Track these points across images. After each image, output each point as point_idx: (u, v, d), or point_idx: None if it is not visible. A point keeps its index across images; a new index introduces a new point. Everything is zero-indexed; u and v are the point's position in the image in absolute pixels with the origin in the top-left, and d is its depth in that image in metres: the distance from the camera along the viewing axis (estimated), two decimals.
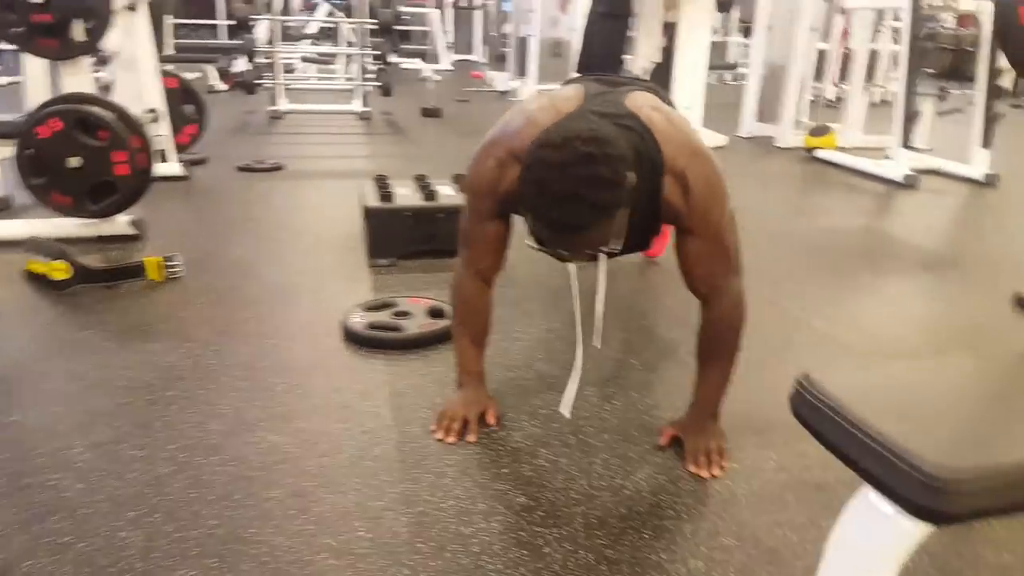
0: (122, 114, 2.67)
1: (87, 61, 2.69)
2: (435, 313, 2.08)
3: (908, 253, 3.11)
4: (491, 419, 1.61)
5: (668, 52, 4.80)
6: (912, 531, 0.90)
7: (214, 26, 12.67)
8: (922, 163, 4.62)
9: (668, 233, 2.69)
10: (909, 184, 4.25)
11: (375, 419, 1.63)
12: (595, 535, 1.28)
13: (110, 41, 3.34)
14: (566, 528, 1.30)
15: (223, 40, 11.61)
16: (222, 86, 7.79)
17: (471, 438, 1.55)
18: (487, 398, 1.66)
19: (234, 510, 1.31)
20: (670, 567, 1.21)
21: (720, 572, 1.20)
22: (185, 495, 1.35)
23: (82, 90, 2.65)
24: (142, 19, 3.45)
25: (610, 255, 1.47)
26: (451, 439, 1.54)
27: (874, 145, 5.30)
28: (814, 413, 0.97)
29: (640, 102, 1.47)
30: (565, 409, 1.61)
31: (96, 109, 2.56)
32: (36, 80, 3.34)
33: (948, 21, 11.35)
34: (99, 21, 2.64)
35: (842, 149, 5.05)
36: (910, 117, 4.28)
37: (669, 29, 4.78)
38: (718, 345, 1.54)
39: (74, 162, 2.51)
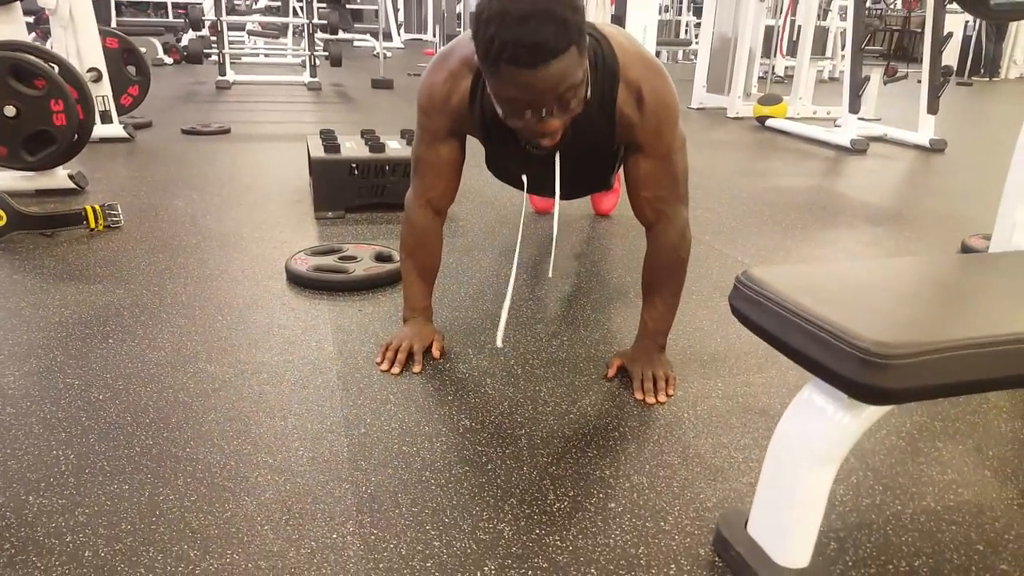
0: (60, 63, 2.57)
1: (19, 7, 2.57)
2: (382, 258, 2.06)
3: (856, 209, 3.17)
4: (436, 352, 1.60)
5: (618, 19, 4.82)
6: (855, 416, 0.92)
7: (163, 5, 12.30)
8: (871, 131, 4.74)
9: (619, 190, 2.74)
10: (858, 149, 4.35)
11: (318, 352, 1.61)
12: (539, 453, 1.29)
13: None
14: (510, 447, 1.30)
15: (170, 19, 11.28)
16: (168, 59, 7.60)
17: (416, 368, 1.55)
18: (434, 331, 1.65)
19: (170, 432, 1.28)
20: (613, 482, 1.22)
21: (663, 487, 1.21)
22: (120, 419, 1.32)
23: (15, 38, 2.54)
24: None
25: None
26: (395, 370, 1.53)
27: (823, 116, 5.42)
28: (753, 306, 0.98)
29: (612, 26, 1.48)
30: (498, 339, 1.59)
31: (31, 57, 2.45)
32: None
33: (896, 4, 11.62)
34: None
35: (792, 119, 5.15)
36: (858, 84, 4.37)
37: None
38: (664, 274, 1.55)
39: (9, 111, 2.41)
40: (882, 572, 1.05)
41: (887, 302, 0.94)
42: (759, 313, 0.96)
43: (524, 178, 1.59)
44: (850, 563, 1.06)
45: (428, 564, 1.01)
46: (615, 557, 1.05)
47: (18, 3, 2.56)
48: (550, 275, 1.79)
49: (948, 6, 4.69)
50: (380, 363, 1.56)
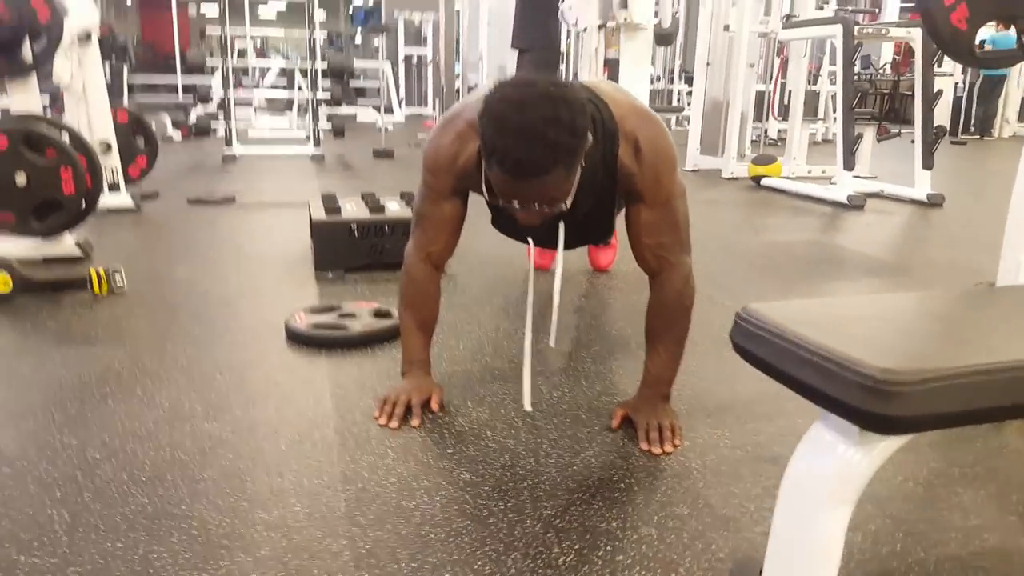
0: (70, 133, 2.64)
1: (34, 80, 2.66)
2: (380, 314, 2.06)
3: (856, 261, 3.19)
4: (435, 405, 1.58)
5: None
6: (866, 451, 0.90)
7: (173, 86, 12.72)
8: (866, 187, 4.80)
9: (616, 246, 2.76)
10: (855, 204, 4.39)
11: (316, 408, 1.59)
12: (542, 506, 1.25)
13: (62, 72, 3.33)
14: (512, 500, 1.26)
15: (179, 99, 11.65)
16: (177, 135, 7.80)
17: (414, 422, 1.52)
18: (432, 385, 1.62)
19: (165, 490, 1.26)
20: (621, 534, 1.18)
21: (673, 538, 1.17)
22: (116, 476, 1.29)
23: (30, 109, 2.62)
24: (94, 51, 3.44)
25: (572, 222, 1.46)
26: (394, 424, 1.50)
27: (818, 175, 5.50)
28: (755, 341, 0.97)
29: (601, 82, 1.53)
30: (527, 403, 1.58)
31: (43, 127, 2.52)
32: None
33: (885, 70, 11.96)
34: (48, 42, 2.63)
35: (787, 179, 5.22)
36: (851, 141, 4.45)
37: (611, 65, 4.94)
38: (668, 321, 1.54)
39: (20, 179, 2.46)
40: None
41: (891, 333, 0.93)
42: (760, 347, 0.95)
43: (530, 240, 1.63)
44: None
45: None
46: None
47: (33, 76, 2.64)
48: (552, 344, 1.78)
49: (937, 69, 4.85)
50: (378, 417, 1.53)
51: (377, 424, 1.51)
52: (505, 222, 1.65)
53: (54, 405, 1.57)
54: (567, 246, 1.59)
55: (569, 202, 1.33)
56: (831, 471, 0.94)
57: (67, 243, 2.69)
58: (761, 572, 1.02)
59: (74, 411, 1.54)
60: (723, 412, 1.63)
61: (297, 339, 1.95)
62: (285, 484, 1.29)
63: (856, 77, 6.80)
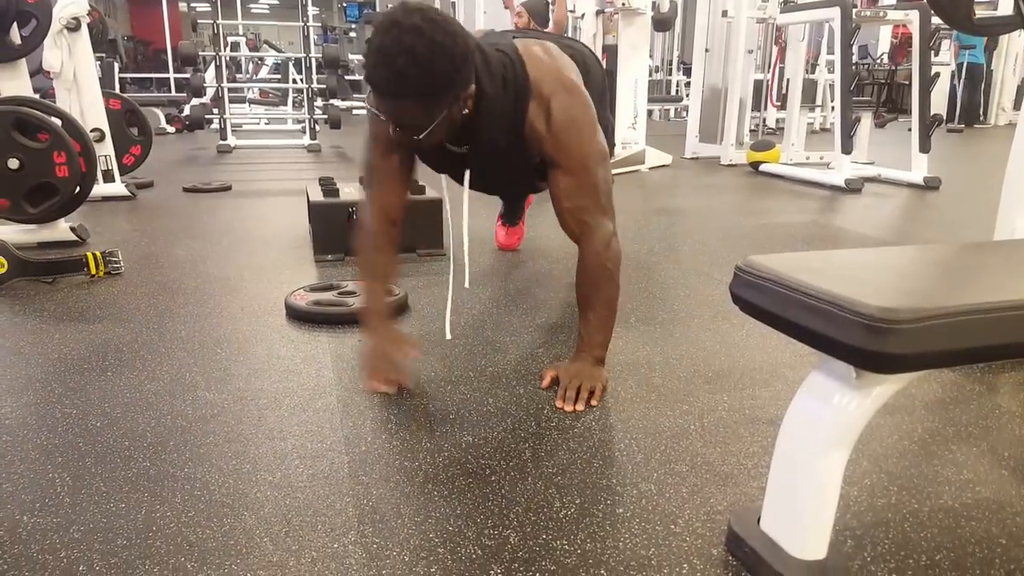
0: (63, 117, 2.63)
1: (24, 64, 2.66)
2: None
3: (855, 241, 3.19)
4: (416, 353, 1.60)
5: (611, 73, 4.96)
6: (864, 395, 0.90)
7: (165, 80, 12.70)
8: (864, 172, 4.80)
9: (523, 229, 2.78)
10: (853, 188, 4.40)
11: (317, 379, 1.59)
12: (543, 465, 1.26)
13: (53, 61, 3.32)
14: (514, 460, 1.27)
15: (173, 94, 11.63)
16: (170, 129, 7.79)
17: (405, 382, 1.52)
18: (399, 334, 1.63)
19: (168, 454, 1.26)
20: (620, 489, 1.19)
21: (672, 492, 1.18)
22: (117, 443, 1.30)
23: (21, 93, 2.61)
24: (84, 39, 3.43)
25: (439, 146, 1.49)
26: (391, 389, 1.50)
27: (816, 161, 5.50)
28: (755, 290, 0.97)
29: (531, 42, 1.56)
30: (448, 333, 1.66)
31: (35, 111, 2.52)
32: None
33: (882, 59, 11.97)
34: (37, 25, 2.62)
35: (785, 164, 5.23)
36: (849, 125, 4.45)
37: (609, 51, 4.95)
38: (593, 286, 1.56)
39: (12, 163, 2.46)
40: (902, 566, 1.01)
41: (891, 276, 0.94)
42: (760, 296, 0.96)
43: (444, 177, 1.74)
44: (868, 558, 1.03)
45: (433, 570, 0.98)
46: (625, 559, 1.02)
47: (23, 60, 2.64)
48: (466, 285, 1.83)
49: (934, 57, 4.84)
50: (369, 384, 1.51)
51: (369, 392, 1.52)
52: (426, 159, 1.69)
53: (54, 379, 1.57)
54: (483, 190, 1.74)
55: (422, 137, 1.36)
56: (829, 415, 0.94)
57: (62, 228, 2.69)
58: (760, 519, 1.03)
59: (74, 384, 1.54)
60: (721, 378, 1.64)
61: (297, 316, 1.96)
62: (288, 448, 1.29)
63: (854, 66, 6.80)
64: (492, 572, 0.98)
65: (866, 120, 5.37)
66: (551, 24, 4.19)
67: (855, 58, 9.08)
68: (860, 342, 0.82)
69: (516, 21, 4.50)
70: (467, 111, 1.40)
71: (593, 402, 1.49)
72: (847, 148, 4.50)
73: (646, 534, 1.07)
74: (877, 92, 12.02)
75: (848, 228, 3.47)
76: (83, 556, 0.99)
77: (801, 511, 0.97)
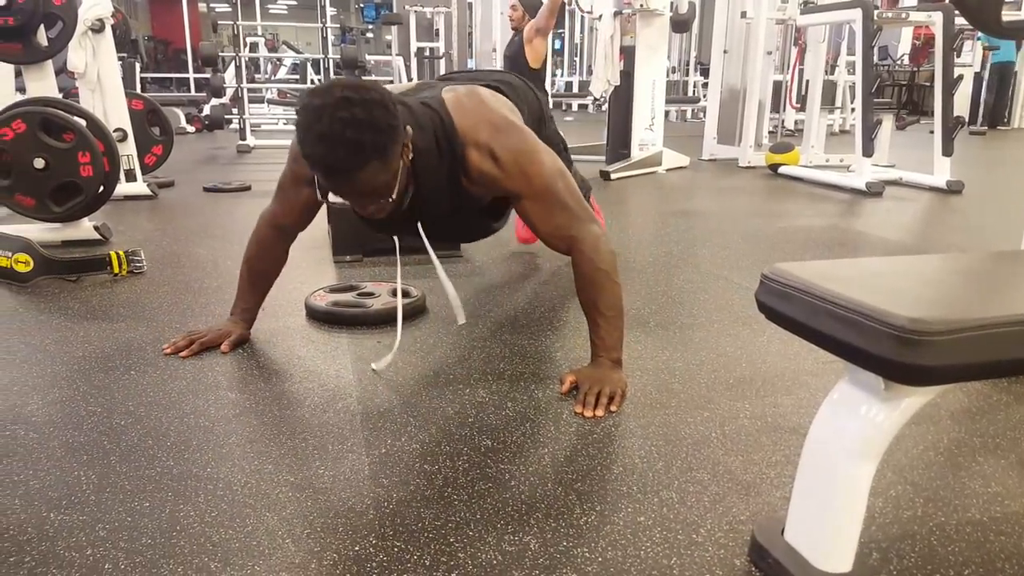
0: (87, 117, 2.66)
1: (50, 66, 2.69)
2: (400, 293, 2.06)
3: (876, 245, 3.16)
4: (224, 347, 1.72)
5: (627, 75, 4.94)
6: (892, 406, 0.89)
7: (185, 80, 12.81)
8: (885, 175, 4.75)
9: (601, 217, 2.76)
10: (873, 191, 4.35)
11: (337, 380, 1.60)
12: (563, 471, 1.26)
13: (77, 62, 3.36)
14: (533, 465, 1.27)
15: (192, 94, 11.73)
16: (190, 128, 7.85)
17: (184, 353, 1.69)
18: (237, 329, 1.77)
19: (191, 453, 1.27)
20: (641, 497, 1.19)
21: (694, 501, 1.18)
22: (141, 442, 1.31)
23: (46, 94, 2.64)
24: (108, 40, 3.47)
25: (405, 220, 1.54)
26: (168, 350, 1.70)
27: (836, 164, 5.45)
28: (781, 298, 0.96)
29: (458, 90, 1.58)
30: (377, 365, 1.66)
31: (60, 111, 2.55)
32: (2, 89, 3.35)
33: (903, 61, 11.85)
34: (63, 27, 2.65)
35: (804, 167, 5.18)
36: (870, 128, 4.41)
37: (626, 53, 4.93)
38: (595, 291, 1.56)
39: (38, 163, 2.49)
40: None
41: (921, 286, 0.93)
42: (787, 304, 0.95)
43: (395, 239, 1.74)
44: (895, 572, 1.02)
45: (453, 574, 0.98)
46: (647, 568, 1.01)
47: (49, 61, 2.67)
48: (462, 321, 1.75)
49: (956, 59, 4.78)
50: (167, 349, 1.71)
51: (164, 352, 1.70)
52: (366, 221, 1.66)
53: (79, 376, 1.59)
54: (445, 241, 1.82)
55: (395, 196, 1.38)
56: (857, 427, 0.93)
57: (85, 227, 2.72)
58: (784, 530, 1.02)
59: (99, 382, 1.56)
60: (743, 386, 1.63)
61: (317, 316, 1.97)
62: (309, 449, 1.30)
63: (874, 68, 6.73)
64: None
65: (887, 122, 5.31)
66: (543, 15, 4.20)
67: (875, 59, 8.99)
68: (890, 353, 0.81)
69: (511, 14, 4.50)
70: (411, 157, 1.41)
71: (613, 407, 1.48)
72: (868, 151, 4.45)
73: (668, 543, 1.07)
74: (898, 94, 11.90)
75: (869, 232, 3.44)
76: (108, 554, 1.00)
77: (827, 523, 0.96)
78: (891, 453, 1.34)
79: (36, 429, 1.35)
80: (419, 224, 1.56)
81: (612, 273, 1.56)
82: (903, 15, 4.53)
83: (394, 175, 1.35)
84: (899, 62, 11.97)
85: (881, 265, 1.04)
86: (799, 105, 6.84)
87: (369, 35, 14.19)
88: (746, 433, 1.41)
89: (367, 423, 1.40)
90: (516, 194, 1.55)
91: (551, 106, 4.81)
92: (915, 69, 11.70)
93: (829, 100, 6.53)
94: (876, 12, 4.23)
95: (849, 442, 0.94)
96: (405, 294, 2.07)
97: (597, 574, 0.99)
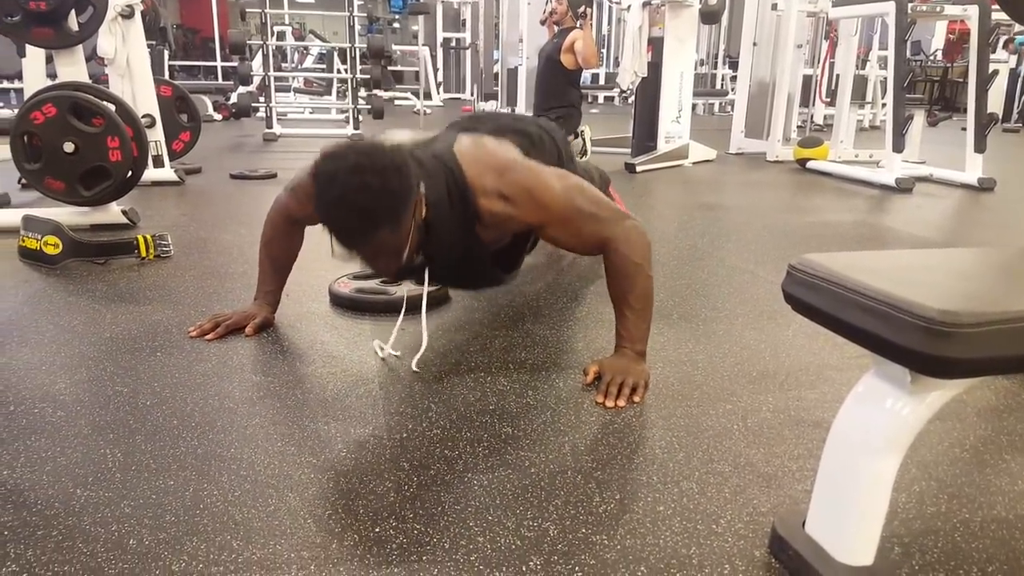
0: (116, 102, 2.69)
1: (80, 51, 2.73)
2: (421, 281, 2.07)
3: (904, 241, 3.11)
4: (249, 329, 1.75)
5: (655, 66, 4.90)
6: (919, 399, 0.88)
7: (213, 68, 12.93)
8: (916, 171, 4.66)
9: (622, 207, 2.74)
10: (903, 187, 4.28)
11: (360, 365, 1.61)
12: (583, 459, 1.26)
13: (107, 47, 3.40)
14: (553, 453, 1.27)
15: (220, 82, 11.84)
16: (217, 116, 7.92)
17: (209, 336, 1.71)
18: (262, 312, 1.79)
19: (215, 434, 1.29)
20: (662, 487, 1.18)
21: (714, 492, 1.17)
22: (167, 422, 1.33)
23: (77, 79, 2.68)
24: (137, 26, 3.51)
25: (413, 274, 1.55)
26: (194, 333, 1.73)
27: (866, 159, 5.37)
28: (809, 289, 0.95)
29: (464, 141, 1.58)
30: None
31: (90, 96, 2.58)
32: (34, 74, 3.41)
33: (936, 57, 11.62)
34: (94, 12, 2.69)
35: (833, 162, 5.11)
36: (901, 123, 4.33)
37: (655, 44, 4.89)
38: (624, 281, 1.55)
39: (68, 147, 2.53)
40: None
41: (951, 279, 0.91)
42: (815, 295, 0.94)
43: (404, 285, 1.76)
44: (917, 566, 1.00)
45: (472, 558, 0.99)
46: (665, 556, 1.01)
47: (80, 47, 2.70)
48: (416, 369, 1.64)
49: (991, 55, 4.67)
50: (193, 331, 1.73)
51: (189, 336, 1.73)
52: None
53: (106, 357, 1.61)
54: (452, 287, 1.79)
55: (406, 255, 1.39)
56: (882, 420, 0.92)
57: (114, 211, 2.76)
58: (805, 522, 1.01)
59: (125, 363, 1.59)
60: (766, 379, 1.61)
61: (341, 303, 1.98)
62: (332, 432, 1.31)
63: (907, 63, 6.60)
64: (531, 563, 0.98)
65: (918, 118, 5.21)
66: (581, 58, 4.24)
67: (908, 54, 8.82)
68: (918, 345, 0.79)
69: (556, 7, 4.48)
70: (424, 214, 1.42)
71: (636, 398, 1.48)
72: (899, 146, 4.38)
73: (687, 533, 1.06)
74: (930, 90, 11.67)
75: (898, 228, 3.38)
76: (133, 530, 1.02)
77: (849, 516, 0.95)
78: (916, 449, 1.32)
79: (64, 408, 1.37)
80: (426, 270, 1.58)
81: (645, 266, 1.55)
82: (938, 8, 4.42)
83: (406, 236, 1.36)
84: (932, 57, 11.73)
85: (910, 258, 1.02)
86: (829, 100, 6.74)
87: (396, 25, 14.21)
88: (768, 426, 1.40)
89: (389, 408, 1.41)
90: (537, 225, 1.56)
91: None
92: (949, 65, 11.47)
93: (860, 95, 6.40)
94: (910, 5, 4.14)
95: (874, 435, 0.93)
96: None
97: (615, 561, 0.99)
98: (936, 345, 0.78)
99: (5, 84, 7.99)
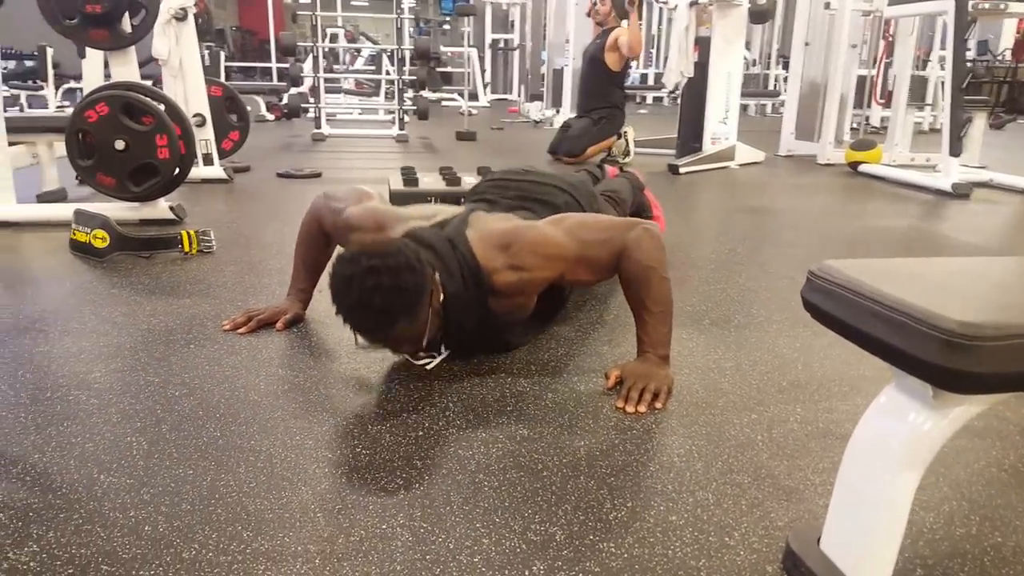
0: (166, 102, 2.78)
1: (133, 52, 2.82)
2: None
3: (958, 249, 2.99)
4: (279, 325, 1.79)
5: (702, 66, 4.82)
6: (940, 414, 0.84)
7: (268, 70, 13.23)
8: (975, 176, 4.48)
9: (662, 220, 2.70)
10: (960, 193, 4.12)
11: (383, 362, 1.63)
12: (597, 464, 1.24)
13: (161, 49, 3.52)
14: (567, 457, 1.26)
15: (274, 83, 12.09)
16: (270, 116, 8.11)
17: (242, 330, 1.76)
18: (293, 308, 1.84)
19: (237, 426, 1.32)
20: (676, 496, 1.16)
21: (730, 504, 1.14)
22: (193, 412, 1.36)
23: (129, 79, 2.78)
24: (190, 28, 3.61)
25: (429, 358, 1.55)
26: (227, 326, 1.78)
27: (922, 163, 5.18)
28: (826, 296, 0.93)
29: (475, 223, 1.60)
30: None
31: (141, 96, 2.67)
32: (93, 74, 3.56)
33: (1005, 56, 11.13)
34: (146, 15, 2.78)
35: (887, 165, 4.95)
36: (959, 126, 4.17)
37: (702, 44, 4.81)
38: (639, 285, 1.55)
39: (119, 144, 2.62)
40: None
41: (974, 289, 0.87)
42: (832, 303, 0.91)
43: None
44: None
45: (475, 559, 0.98)
46: (673, 568, 0.99)
47: (132, 48, 2.80)
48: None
49: None
50: (226, 325, 1.78)
51: (223, 329, 1.77)
52: None
53: (141, 348, 1.67)
54: (465, 354, 1.73)
55: (425, 343, 1.44)
56: (902, 434, 0.88)
57: (161, 207, 2.85)
58: (820, 539, 0.98)
59: (159, 353, 1.63)
60: (796, 389, 1.57)
61: None
62: (350, 427, 1.33)
63: (970, 63, 6.34)
64: (535, 568, 0.97)
65: (980, 121, 5.01)
66: (626, 47, 4.17)
67: (973, 54, 8.47)
68: (936, 358, 0.76)
69: (600, 7, 4.46)
70: (442, 299, 1.46)
71: (657, 404, 1.45)
72: (955, 150, 4.21)
73: (698, 544, 1.04)
74: (996, 91, 11.21)
75: (952, 236, 3.26)
76: (149, 517, 1.05)
77: (865, 534, 0.91)
78: (949, 467, 1.27)
79: (97, 396, 1.42)
80: (442, 344, 1.59)
81: (660, 268, 1.53)
82: (1001, 6, 4.24)
83: (424, 324, 1.41)
84: (1000, 57, 11.26)
85: (938, 265, 0.98)
86: (883, 101, 6.53)
87: (446, 27, 14.34)
88: (794, 438, 1.36)
89: (407, 406, 1.42)
90: (558, 276, 1.59)
91: (626, 98, 4.76)
92: (1016, 65, 10.99)
93: (918, 96, 6.18)
94: (971, 3, 3.98)
95: (893, 450, 0.89)
96: None
97: (620, 570, 0.98)
98: (955, 359, 0.75)
99: (72, 84, 8.33)
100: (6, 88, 7.89)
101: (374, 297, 1.32)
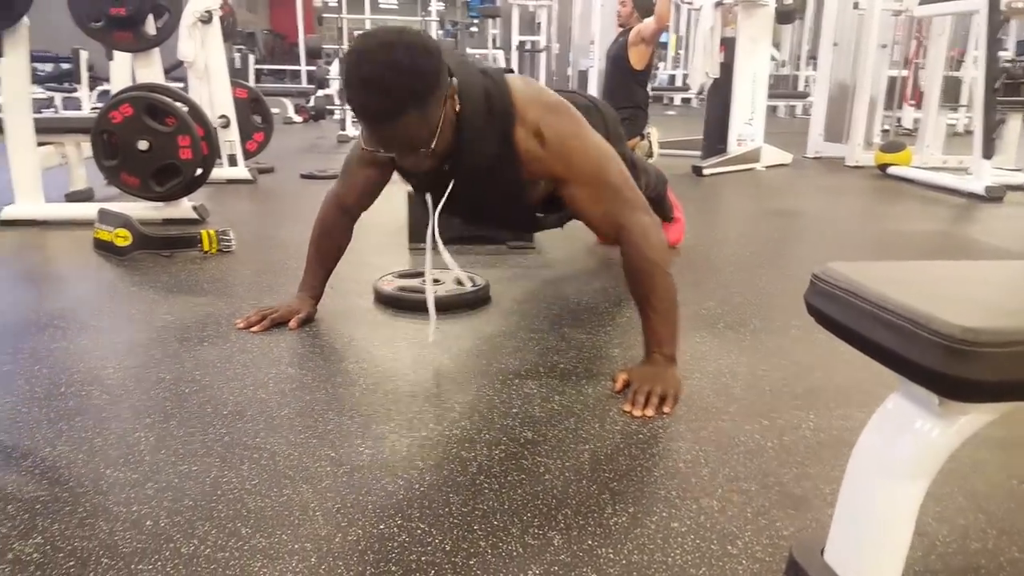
0: (188, 103, 2.82)
1: (157, 54, 2.87)
2: (461, 282, 2.09)
3: (990, 254, 2.92)
4: (293, 323, 1.78)
5: (728, 67, 4.77)
6: (947, 423, 0.81)
7: (297, 72, 13.35)
8: (1009, 179, 4.37)
9: (681, 220, 2.66)
10: (993, 196, 4.01)
11: (392, 363, 1.63)
12: (601, 469, 1.23)
13: (187, 51, 3.57)
14: (570, 461, 1.24)
15: (303, 85, 12.21)
16: (298, 118, 8.20)
17: (255, 329, 1.76)
18: (305, 307, 1.83)
19: (243, 423, 1.33)
20: (679, 503, 1.14)
21: (735, 512, 1.12)
22: (201, 409, 1.38)
23: (153, 80, 2.83)
24: (215, 31, 3.67)
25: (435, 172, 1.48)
26: (241, 325, 1.77)
27: (954, 166, 5.07)
28: (829, 300, 0.90)
29: (517, 76, 1.55)
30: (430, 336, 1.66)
31: (164, 97, 2.72)
32: (120, 76, 3.63)
33: None
34: (170, 17, 2.83)
35: (917, 168, 4.85)
36: (991, 127, 4.07)
37: (727, 45, 4.76)
38: (644, 282, 1.51)
39: (142, 145, 2.67)
40: None
41: (979, 294, 0.84)
42: (835, 307, 0.89)
43: (428, 196, 1.63)
44: None
45: (471, 562, 0.98)
46: (672, 575, 0.97)
47: (156, 49, 2.85)
48: (430, 339, 1.70)
49: None
50: (240, 323, 1.78)
51: (236, 327, 1.77)
52: (407, 176, 1.68)
53: (155, 345, 1.69)
54: (468, 216, 1.82)
55: (427, 151, 1.36)
56: (907, 444, 0.86)
57: (184, 207, 2.89)
58: (823, 550, 0.95)
59: (172, 351, 1.66)
60: (811, 396, 1.54)
61: (383, 300, 2.01)
62: (354, 427, 1.33)
63: (1009, 63, 6.19)
64: (530, 572, 0.96)
65: (1014, 122, 4.88)
66: (654, 19, 4.09)
67: (1011, 54, 8.27)
68: (938, 365, 0.73)
69: (620, 10, 4.42)
70: (457, 109, 1.39)
71: (665, 409, 1.43)
72: (988, 152, 4.11)
73: (699, 552, 1.02)
74: None
75: (983, 240, 3.18)
76: (152, 512, 1.06)
77: (869, 545, 0.89)
78: (967, 478, 1.23)
79: (109, 391, 1.45)
80: (449, 185, 1.52)
81: (663, 264, 1.50)
82: None
83: (435, 124, 1.34)
84: None
85: (949, 269, 0.95)
86: (913, 102, 6.40)
87: (473, 29, 14.39)
88: (806, 445, 1.33)
89: (413, 406, 1.42)
90: (562, 178, 1.52)
91: (651, 99, 4.71)
92: None
93: (952, 98, 6.05)
94: (1004, 2, 3.88)
95: (898, 459, 0.87)
96: (471, 281, 2.08)
97: None
98: (957, 366, 0.72)
99: (106, 86, 8.51)
100: (42, 90, 8.09)
101: (385, 74, 1.24)
